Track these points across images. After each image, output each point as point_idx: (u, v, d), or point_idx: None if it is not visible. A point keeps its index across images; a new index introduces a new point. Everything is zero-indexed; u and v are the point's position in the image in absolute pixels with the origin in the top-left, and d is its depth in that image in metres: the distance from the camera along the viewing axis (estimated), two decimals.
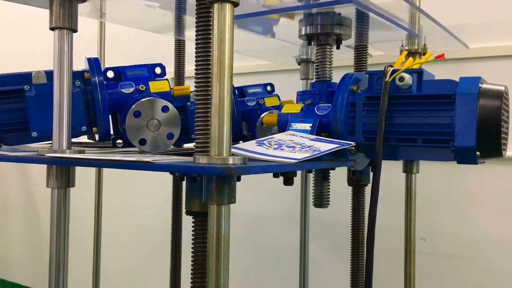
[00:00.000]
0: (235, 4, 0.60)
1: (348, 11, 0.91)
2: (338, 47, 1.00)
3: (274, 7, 0.90)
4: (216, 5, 0.60)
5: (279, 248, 1.81)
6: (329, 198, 1.04)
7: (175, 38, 1.38)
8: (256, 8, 0.89)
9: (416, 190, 1.21)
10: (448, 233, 1.49)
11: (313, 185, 1.04)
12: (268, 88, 1.28)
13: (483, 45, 1.39)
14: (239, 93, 1.26)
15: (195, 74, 0.67)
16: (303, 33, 0.98)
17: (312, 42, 0.99)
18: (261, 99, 1.24)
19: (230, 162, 0.61)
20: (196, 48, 0.67)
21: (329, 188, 1.04)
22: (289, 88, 1.34)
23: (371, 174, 1.09)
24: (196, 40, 0.66)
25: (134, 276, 2.20)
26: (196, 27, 0.66)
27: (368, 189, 1.17)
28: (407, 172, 1.21)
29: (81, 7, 0.81)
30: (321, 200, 1.02)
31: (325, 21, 0.94)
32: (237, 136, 1.24)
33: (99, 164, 0.67)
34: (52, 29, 0.77)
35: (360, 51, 1.17)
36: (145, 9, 1.05)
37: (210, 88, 0.61)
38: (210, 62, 0.61)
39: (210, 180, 0.60)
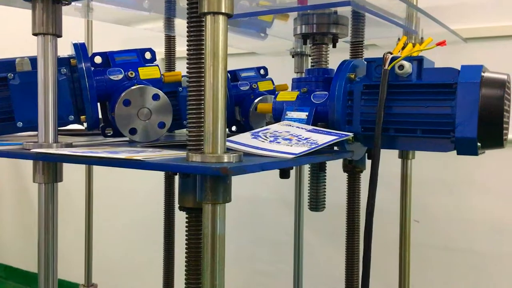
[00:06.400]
0: (229, 16, 0.57)
1: (344, 9, 0.88)
2: (334, 46, 0.97)
3: (269, 7, 0.87)
4: (208, 17, 0.56)
5: (273, 230, 1.80)
6: (324, 201, 1.02)
7: (165, 34, 1.34)
8: (250, 8, 0.85)
9: (412, 175, 1.20)
10: (442, 216, 1.49)
11: (309, 188, 1.01)
12: (262, 71, 1.25)
13: (475, 26, 1.37)
14: (232, 77, 1.23)
15: (188, 74, 0.64)
16: (298, 32, 0.95)
17: (308, 41, 0.96)
18: (255, 83, 1.21)
19: (225, 160, 0.58)
20: (188, 60, 0.63)
21: (324, 191, 1.02)
22: (283, 71, 1.31)
23: (367, 160, 1.07)
24: (188, 53, 0.63)
25: (127, 260, 2.19)
26: (187, 40, 0.63)
27: (363, 176, 1.16)
28: (402, 158, 1.19)
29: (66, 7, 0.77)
30: (317, 204, 1.00)
31: (321, 20, 0.91)
32: (230, 121, 1.21)
33: (87, 161, 0.64)
34: (35, 34, 0.73)
35: (356, 46, 1.14)
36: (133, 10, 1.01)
37: (203, 87, 0.58)
38: (203, 66, 0.58)
39: (204, 179, 0.58)
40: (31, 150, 0.68)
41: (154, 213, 1.58)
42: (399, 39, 1.10)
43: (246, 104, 1.18)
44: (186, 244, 0.71)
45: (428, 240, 1.50)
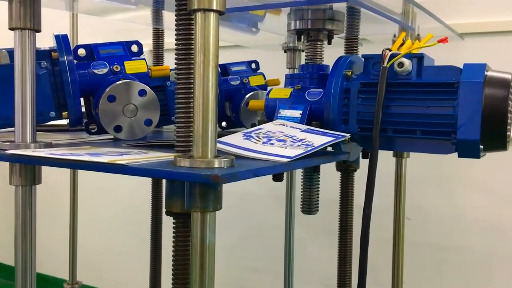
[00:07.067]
0: (221, 13, 0.52)
1: (340, 5, 0.84)
2: (329, 42, 0.93)
3: (264, 1, 0.82)
4: (199, 14, 0.51)
5: (264, 226, 1.77)
6: (318, 203, 0.98)
7: (153, 28, 1.29)
8: (242, 3, 0.81)
9: (406, 174, 1.17)
10: (434, 213, 1.47)
11: (302, 190, 0.98)
12: (253, 65, 1.21)
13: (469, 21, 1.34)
14: (222, 71, 1.18)
15: (176, 76, 0.59)
16: (292, 28, 0.91)
17: (302, 37, 0.92)
18: (246, 78, 1.17)
19: (216, 165, 0.54)
20: (176, 58, 0.59)
21: (318, 193, 0.98)
22: (274, 66, 1.27)
23: (361, 159, 1.03)
24: (176, 53, 0.59)
25: (114, 256, 2.14)
26: (176, 37, 0.59)
27: (357, 174, 1.12)
28: (397, 156, 1.16)
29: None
30: (310, 206, 0.95)
31: (316, 16, 0.87)
32: (220, 117, 1.17)
33: (66, 165, 0.59)
34: (11, 29, 0.67)
35: (351, 42, 1.10)
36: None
37: (192, 88, 0.53)
38: (193, 63, 0.53)
39: (193, 186, 0.54)
40: (6, 151, 0.64)
41: (141, 209, 1.54)
42: (395, 36, 1.06)
43: (236, 99, 1.13)
44: (173, 251, 0.67)
45: (420, 238, 1.48)
